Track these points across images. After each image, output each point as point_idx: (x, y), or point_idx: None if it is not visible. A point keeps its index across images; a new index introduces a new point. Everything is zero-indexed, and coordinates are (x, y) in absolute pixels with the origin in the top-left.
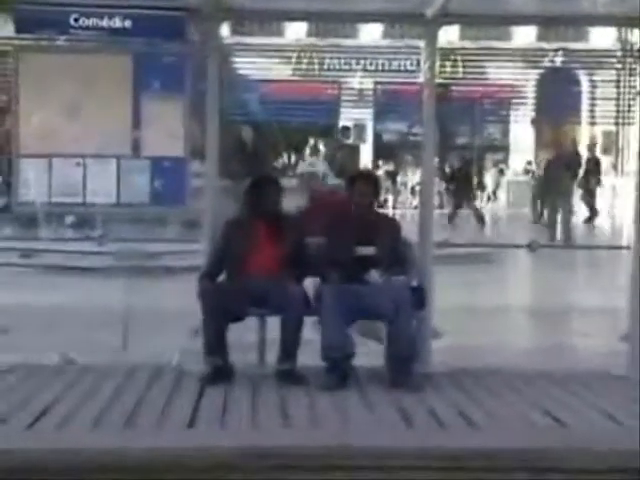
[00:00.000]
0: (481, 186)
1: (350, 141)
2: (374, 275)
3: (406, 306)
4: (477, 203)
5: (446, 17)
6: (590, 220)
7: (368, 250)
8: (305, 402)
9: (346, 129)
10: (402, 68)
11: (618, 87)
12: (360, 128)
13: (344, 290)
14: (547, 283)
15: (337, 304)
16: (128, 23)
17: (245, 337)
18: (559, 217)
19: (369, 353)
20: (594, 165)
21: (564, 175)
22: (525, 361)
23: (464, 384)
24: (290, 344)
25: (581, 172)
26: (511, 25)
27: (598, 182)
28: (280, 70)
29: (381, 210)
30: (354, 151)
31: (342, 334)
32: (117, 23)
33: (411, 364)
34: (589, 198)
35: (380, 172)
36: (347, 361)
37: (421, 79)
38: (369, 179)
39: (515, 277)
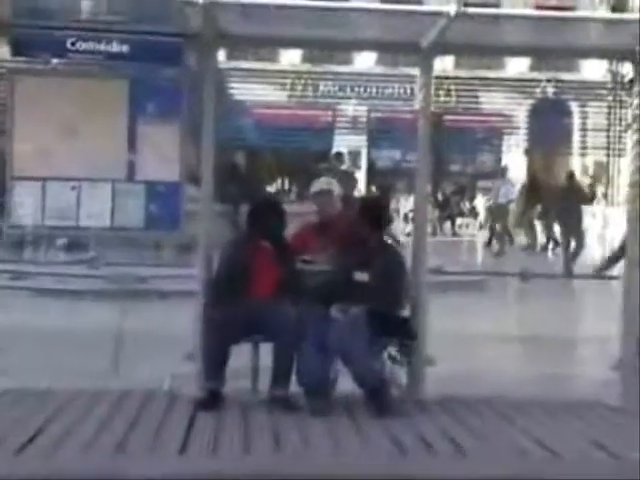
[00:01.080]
0: (473, 213)
1: (344, 167)
2: (333, 309)
3: (361, 345)
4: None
5: (441, 47)
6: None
7: (363, 276)
8: (297, 428)
9: (340, 155)
10: (396, 96)
11: (609, 118)
12: (355, 155)
13: (319, 319)
14: (540, 311)
15: (313, 334)
16: (125, 48)
17: (235, 363)
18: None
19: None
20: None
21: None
22: (518, 390)
23: (456, 412)
24: (283, 370)
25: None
26: (505, 56)
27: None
28: (275, 96)
29: (387, 240)
30: (349, 177)
31: (315, 360)
32: (114, 47)
33: (381, 395)
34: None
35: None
36: (324, 387)
37: (415, 107)
38: (377, 206)
39: (508, 305)
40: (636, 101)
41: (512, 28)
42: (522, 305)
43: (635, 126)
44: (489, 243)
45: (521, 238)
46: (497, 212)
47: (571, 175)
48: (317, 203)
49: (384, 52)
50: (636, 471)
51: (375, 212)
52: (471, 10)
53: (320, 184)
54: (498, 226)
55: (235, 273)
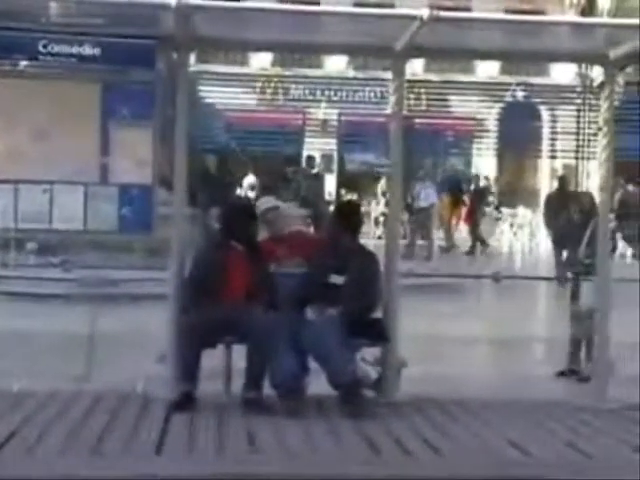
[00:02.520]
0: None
1: (315, 171)
2: (308, 311)
3: (336, 345)
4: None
5: (413, 50)
6: (471, 252)
7: (338, 279)
8: (271, 429)
9: (311, 158)
10: (366, 99)
11: (578, 122)
12: (327, 158)
13: (292, 320)
14: (511, 313)
15: (287, 334)
16: (97, 50)
17: (209, 365)
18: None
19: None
20: (479, 197)
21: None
22: (491, 390)
23: (429, 413)
24: (256, 372)
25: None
26: (476, 59)
27: (483, 213)
28: (245, 99)
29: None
30: (318, 181)
31: (289, 361)
32: (86, 50)
33: (354, 396)
34: (474, 229)
35: None
36: (298, 388)
37: (387, 111)
38: (348, 209)
39: (481, 307)
40: (606, 105)
41: (483, 32)
42: (494, 307)
43: (605, 129)
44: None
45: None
46: (420, 216)
47: (563, 179)
48: (265, 221)
49: (357, 56)
50: (606, 469)
51: (348, 216)
52: (443, 14)
53: (266, 202)
54: (423, 230)
55: (208, 275)
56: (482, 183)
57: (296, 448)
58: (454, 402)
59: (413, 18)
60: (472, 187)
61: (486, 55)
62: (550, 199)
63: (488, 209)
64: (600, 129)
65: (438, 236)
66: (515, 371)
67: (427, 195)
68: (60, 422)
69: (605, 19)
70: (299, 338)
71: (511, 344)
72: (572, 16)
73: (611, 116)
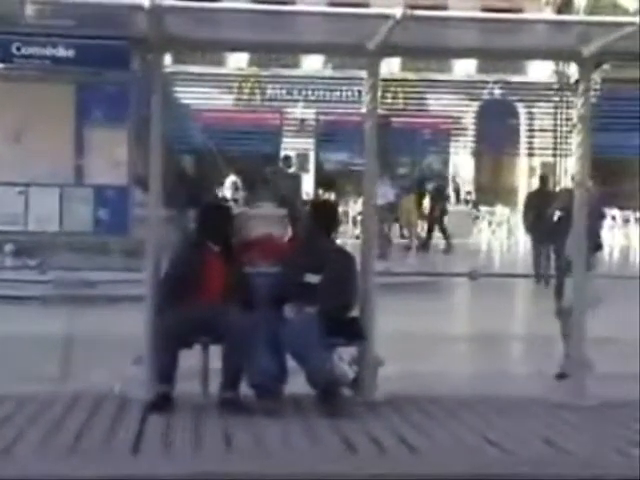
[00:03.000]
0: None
1: (292, 170)
2: (287, 309)
3: (309, 340)
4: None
5: (388, 49)
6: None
7: (314, 278)
8: (248, 429)
9: (287, 158)
10: (343, 98)
11: (555, 119)
12: (303, 158)
13: (269, 320)
14: (489, 311)
15: (265, 333)
16: (71, 52)
17: (185, 365)
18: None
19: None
20: (440, 196)
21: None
22: (467, 388)
23: (406, 411)
24: (232, 372)
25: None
26: (452, 58)
27: (443, 211)
28: (222, 99)
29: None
30: (296, 180)
31: (267, 360)
32: (60, 52)
33: (333, 396)
34: (430, 227)
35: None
36: (276, 387)
37: (363, 110)
38: (324, 208)
39: (458, 305)
40: (580, 101)
41: (459, 30)
42: (471, 305)
43: (580, 126)
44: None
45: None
46: (379, 214)
47: (543, 178)
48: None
49: (331, 55)
50: (584, 465)
51: (323, 215)
52: (417, 13)
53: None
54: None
55: (184, 276)
56: (439, 182)
57: (273, 447)
58: (431, 400)
59: (387, 17)
60: (430, 186)
61: (461, 53)
62: (530, 198)
63: (466, 207)
64: (575, 126)
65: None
66: (493, 369)
67: (384, 193)
68: (37, 423)
69: (578, 16)
70: (277, 337)
71: (488, 342)
72: (547, 14)
73: (586, 113)
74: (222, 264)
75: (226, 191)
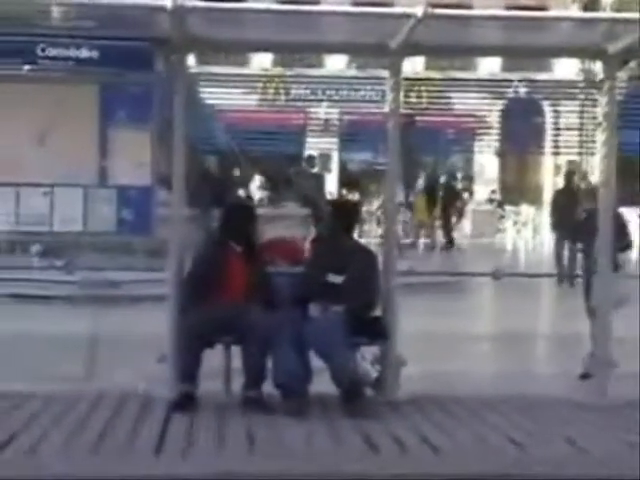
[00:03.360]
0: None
1: (315, 170)
2: (312, 308)
3: (336, 339)
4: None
5: (410, 48)
6: (447, 248)
7: (337, 279)
8: (271, 429)
9: (311, 158)
10: (367, 98)
11: (581, 117)
12: (326, 157)
13: (294, 320)
14: (511, 311)
15: (290, 333)
16: (95, 53)
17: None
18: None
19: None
20: (452, 195)
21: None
22: (490, 388)
23: (429, 411)
24: (254, 372)
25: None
26: (474, 56)
27: (459, 212)
28: (247, 100)
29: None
30: (319, 180)
31: (294, 363)
32: (84, 53)
33: (356, 395)
34: (446, 227)
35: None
36: (301, 387)
37: (385, 109)
38: (345, 208)
39: (481, 305)
40: (605, 99)
41: (482, 29)
42: (493, 304)
43: (605, 125)
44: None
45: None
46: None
47: (569, 175)
48: None
49: (353, 55)
50: (605, 466)
51: (343, 214)
52: (438, 11)
53: None
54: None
55: (206, 275)
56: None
57: (295, 447)
58: (454, 400)
59: (408, 16)
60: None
61: (484, 51)
62: (558, 196)
63: (491, 207)
64: (600, 124)
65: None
66: (515, 368)
67: None
68: (61, 422)
69: (603, 13)
70: (302, 336)
71: (511, 341)
72: (574, 11)
73: (611, 111)
74: (244, 264)
75: (254, 191)
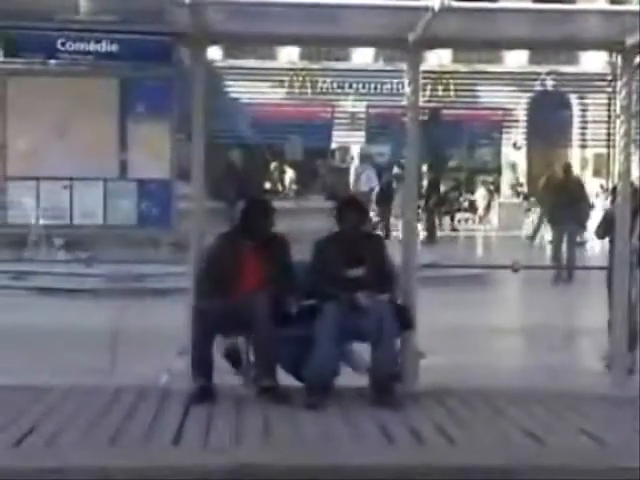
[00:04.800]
0: (472, 208)
1: (343, 164)
2: (360, 297)
3: (391, 327)
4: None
5: (428, 41)
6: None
7: (357, 272)
8: (288, 420)
9: (338, 151)
10: (394, 91)
11: (609, 110)
12: (344, 150)
13: (338, 313)
14: (535, 303)
15: (333, 327)
16: (115, 47)
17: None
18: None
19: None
20: (433, 187)
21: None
22: (511, 381)
23: (448, 403)
24: (264, 361)
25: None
26: (495, 49)
27: (437, 203)
28: (273, 93)
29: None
30: (345, 173)
31: (334, 357)
32: (104, 47)
33: (394, 383)
34: (427, 219)
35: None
36: (331, 381)
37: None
38: (354, 205)
39: (504, 297)
40: (623, 92)
41: (500, 21)
42: (511, 296)
43: (623, 117)
44: None
45: None
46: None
47: (567, 168)
48: None
49: (372, 47)
50: (623, 457)
51: (358, 206)
52: (455, 4)
53: None
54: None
55: (220, 268)
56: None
57: (312, 438)
58: (474, 392)
59: (425, 9)
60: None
61: (505, 44)
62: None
63: (517, 200)
64: (618, 116)
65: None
66: (536, 361)
67: (368, 178)
68: (81, 414)
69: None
70: (347, 328)
71: (531, 334)
72: (597, 4)
73: (629, 103)
74: (259, 258)
75: (285, 184)
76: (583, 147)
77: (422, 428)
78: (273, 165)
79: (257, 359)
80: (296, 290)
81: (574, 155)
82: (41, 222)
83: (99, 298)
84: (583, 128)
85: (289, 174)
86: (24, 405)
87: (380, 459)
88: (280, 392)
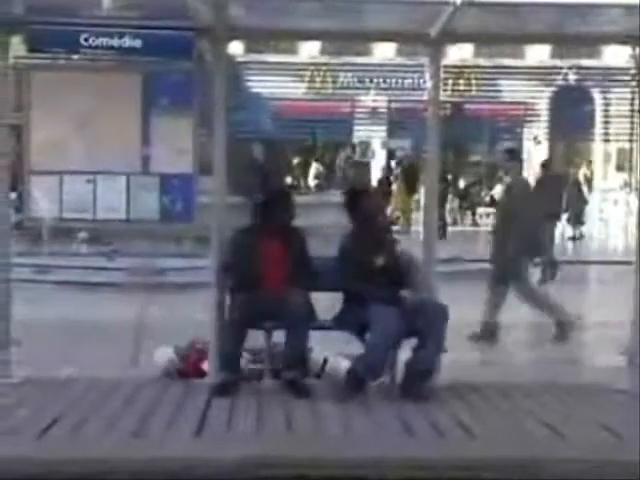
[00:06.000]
0: (494, 203)
1: (365, 159)
2: (404, 293)
3: (442, 325)
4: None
5: (449, 36)
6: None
7: (380, 260)
8: (309, 413)
9: (358, 146)
10: (415, 86)
11: (632, 104)
12: (365, 145)
13: (391, 311)
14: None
15: (388, 325)
16: (138, 42)
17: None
18: None
19: None
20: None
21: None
22: (529, 375)
23: (467, 397)
24: (294, 356)
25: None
26: (515, 43)
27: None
28: (294, 88)
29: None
30: (365, 168)
31: (385, 357)
32: (127, 42)
33: (430, 378)
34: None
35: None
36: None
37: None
38: (367, 195)
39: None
40: None
41: (521, 16)
42: None
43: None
44: None
45: None
46: None
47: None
48: None
49: (394, 42)
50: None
51: (356, 202)
52: None
53: None
54: None
55: (242, 262)
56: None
57: (333, 431)
58: (493, 387)
59: (446, 3)
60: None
61: (526, 39)
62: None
63: None
64: (638, 111)
65: None
66: (557, 355)
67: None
68: (104, 406)
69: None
70: (401, 324)
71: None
72: None
73: None
74: (282, 250)
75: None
76: (606, 141)
77: (442, 422)
78: (296, 160)
79: (288, 351)
80: (319, 285)
81: (597, 149)
82: (64, 216)
83: (122, 292)
84: (606, 122)
85: (312, 169)
86: (48, 397)
87: (400, 452)
88: (303, 386)
